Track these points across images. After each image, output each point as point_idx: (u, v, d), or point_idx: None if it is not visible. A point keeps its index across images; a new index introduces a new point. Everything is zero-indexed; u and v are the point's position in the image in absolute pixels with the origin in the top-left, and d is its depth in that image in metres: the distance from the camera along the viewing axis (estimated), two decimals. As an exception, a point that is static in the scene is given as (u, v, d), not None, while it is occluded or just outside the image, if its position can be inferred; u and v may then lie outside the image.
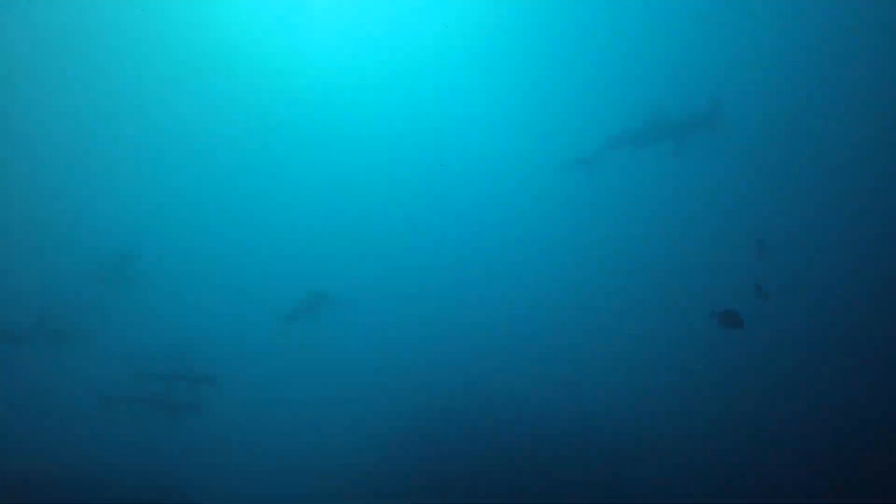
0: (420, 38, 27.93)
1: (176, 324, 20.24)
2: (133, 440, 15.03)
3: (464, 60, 27.88)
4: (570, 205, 23.47)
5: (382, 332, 21.53)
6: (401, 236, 26.68)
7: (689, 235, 19.47)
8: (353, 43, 28.76)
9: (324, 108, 29.76)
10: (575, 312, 20.15)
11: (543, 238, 24.21)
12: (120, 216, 26.41)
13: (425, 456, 13.89)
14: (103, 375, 16.53)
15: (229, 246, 27.20)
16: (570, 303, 20.76)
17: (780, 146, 19.60)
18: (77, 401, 15.93)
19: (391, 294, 23.18)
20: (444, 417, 14.98)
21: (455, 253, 25.39)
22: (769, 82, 20.37)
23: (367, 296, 22.03)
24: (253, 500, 13.83)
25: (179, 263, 24.38)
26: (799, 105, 19.32)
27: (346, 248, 26.58)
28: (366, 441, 14.85)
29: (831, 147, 18.62)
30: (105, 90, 27.36)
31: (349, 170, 29.22)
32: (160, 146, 29.25)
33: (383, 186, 28.34)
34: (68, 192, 26.88)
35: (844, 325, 14.63)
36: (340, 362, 20.47)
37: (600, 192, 22.38)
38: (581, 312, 19.95)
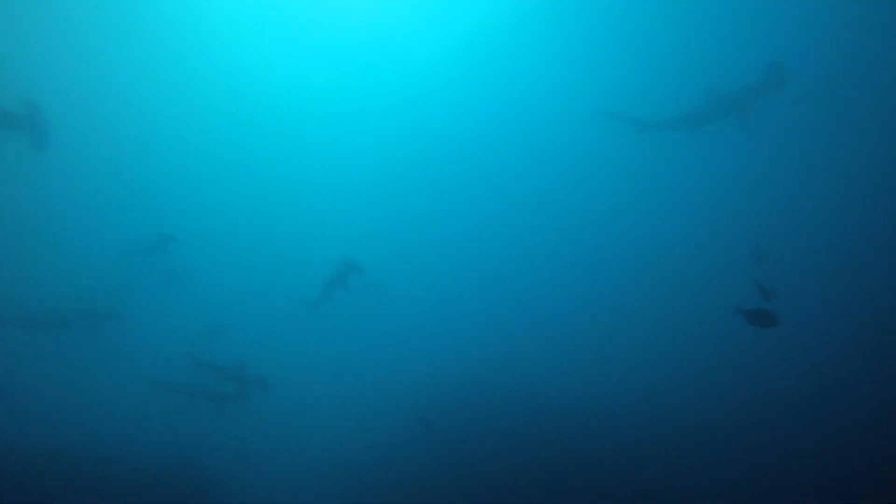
0: (477, 18, 26.51)
1: (212, 307, 20.67)
2: (164, 423, 15.40)
3: (505, 48, 26.64)
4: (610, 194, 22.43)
5: (416, 315, 21.40)
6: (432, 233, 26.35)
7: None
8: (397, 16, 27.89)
9: (368, 85, 29.26)
10: (596, 304, 19.44)
11: (566, 233, 23.41)
12: (157, 198, 27.11)
13: (447, 447, 13.69)
14: (143, 358, 17.04)
15: (263, 232, 27.65)
16: (596, 292, 20.02)
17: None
18: (115, 383, 16.48)
19: (424, 280, 23.02)
20: (462, 408, 14.75)
21: (481, 242, 24.91)
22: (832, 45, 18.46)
23: (403, 279, 21.90)
24: (283, 489, 14.02)
25: (217, 246, 24.87)
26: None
27: (391, 229, 26.38)
28: (381, 433, 14.81)
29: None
30: (145, 76, 27.95)
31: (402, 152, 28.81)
32: (196, 130, 29.80)
33: (425, 171, 27.96)
34: (106, 177, 27.68)
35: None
36: (373, 345, 20.50)
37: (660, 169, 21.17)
38: (603, 305, 19.22)
